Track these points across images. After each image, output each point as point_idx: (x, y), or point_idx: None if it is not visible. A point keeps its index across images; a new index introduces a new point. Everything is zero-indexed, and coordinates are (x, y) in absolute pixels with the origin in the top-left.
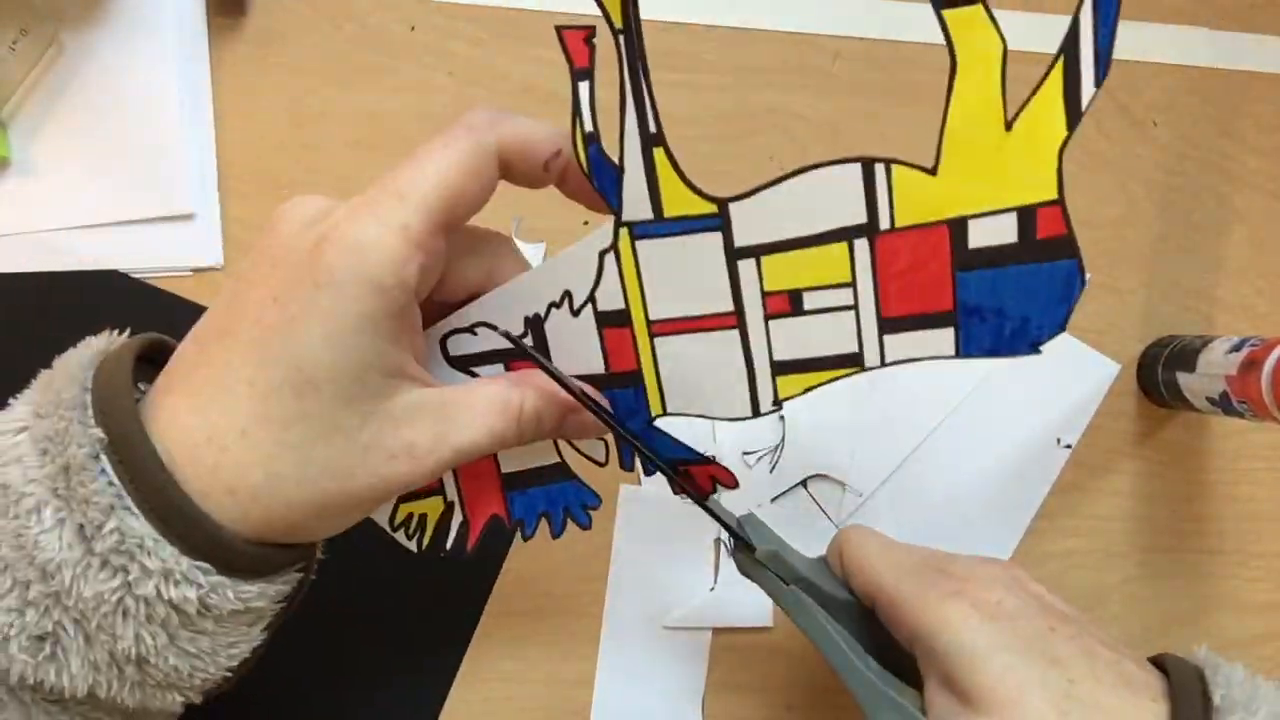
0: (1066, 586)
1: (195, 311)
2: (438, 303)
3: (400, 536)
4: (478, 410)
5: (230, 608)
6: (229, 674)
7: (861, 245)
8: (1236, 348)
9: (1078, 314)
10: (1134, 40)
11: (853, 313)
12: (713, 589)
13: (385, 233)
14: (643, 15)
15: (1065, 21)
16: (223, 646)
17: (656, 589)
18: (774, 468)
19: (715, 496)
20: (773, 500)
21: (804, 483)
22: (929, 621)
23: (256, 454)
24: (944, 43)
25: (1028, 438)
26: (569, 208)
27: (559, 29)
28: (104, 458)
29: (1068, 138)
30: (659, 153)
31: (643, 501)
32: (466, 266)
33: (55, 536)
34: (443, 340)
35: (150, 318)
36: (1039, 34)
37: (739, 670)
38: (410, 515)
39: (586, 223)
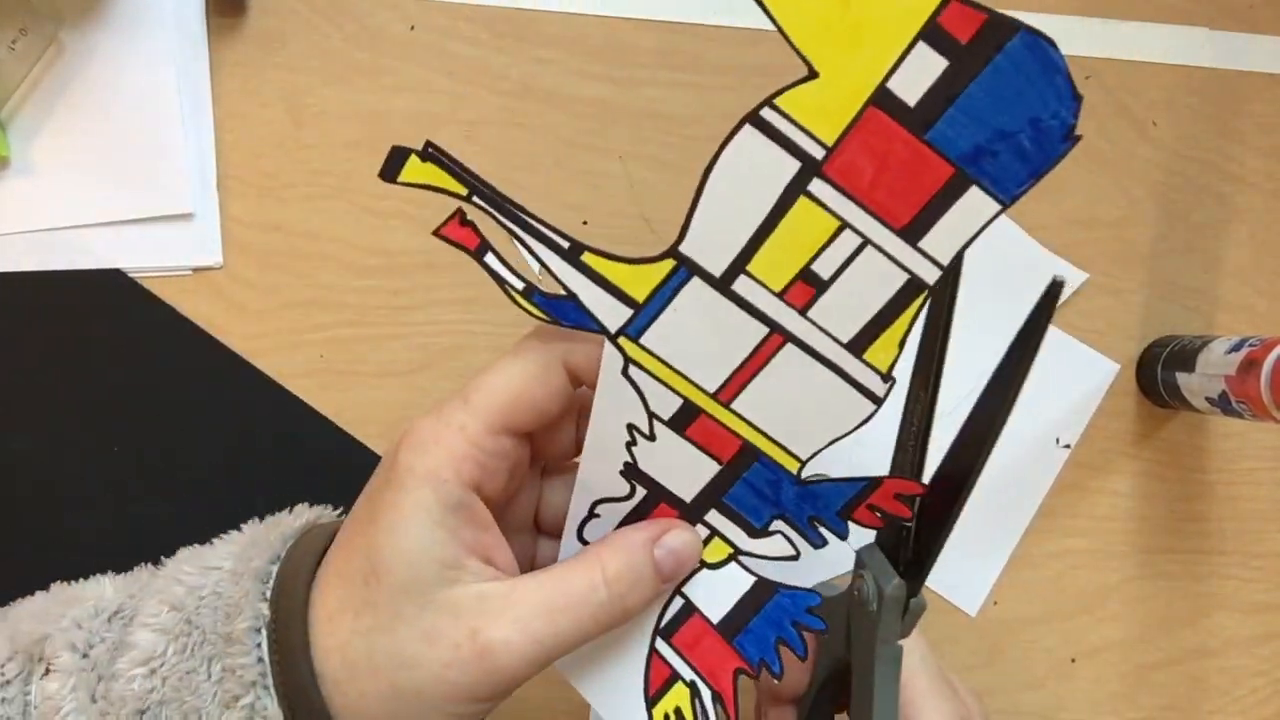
0: (1066, 587)
1: (193, 312)
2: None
3: None
4: (551, 592)
5: None
6: None
7: (818, 186)
8: (1236, 348)
9: (1077, 314)
10: (1134, 40)
11: (870, 247)
12: None
13: (444, 430)
14: (647, 14)
15: (1068, 22)
16: None
17: None
18: None
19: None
20: None
21: None
22: None
23: (335, 640)
24: None
25: (1027, 438)
26: (569, 209)
27: (438, 234)
28: (263, 634)
29: None
30: (588, 257)
31: None
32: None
33: (210, 693)
34: (579, 535)
35: (149, 318)
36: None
37: None
38: (666, 716)
39: (586, 223)
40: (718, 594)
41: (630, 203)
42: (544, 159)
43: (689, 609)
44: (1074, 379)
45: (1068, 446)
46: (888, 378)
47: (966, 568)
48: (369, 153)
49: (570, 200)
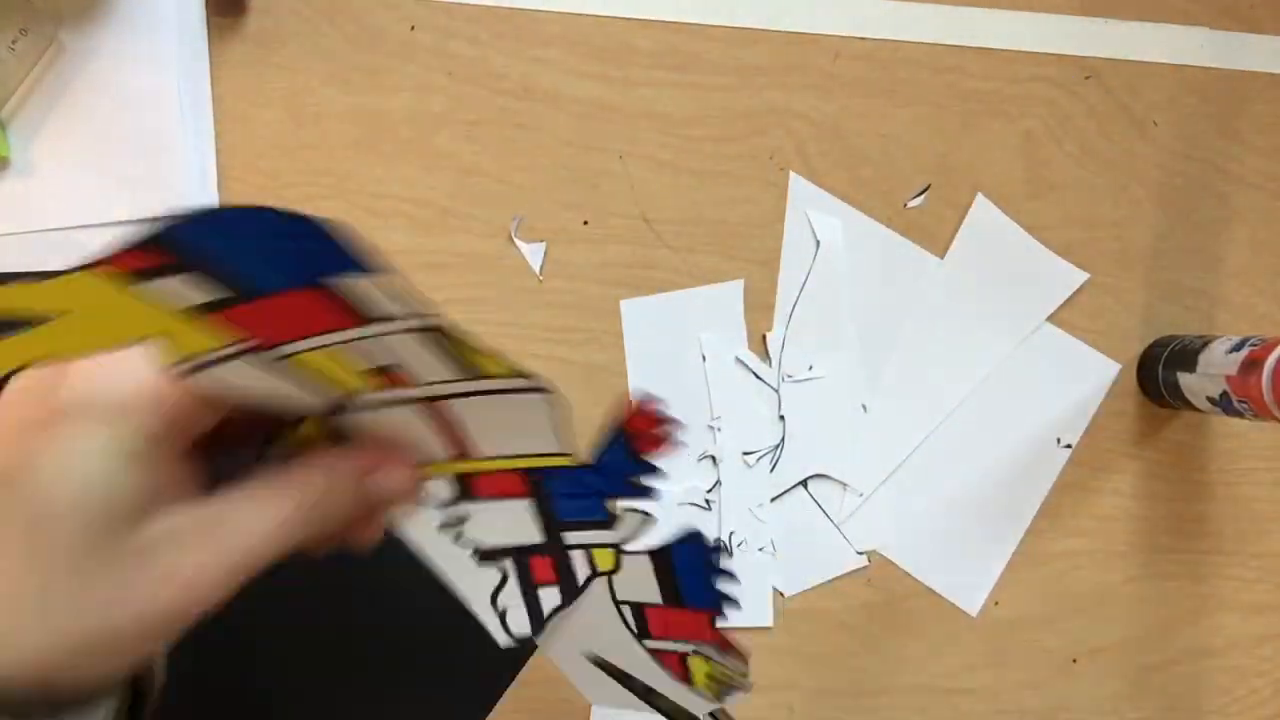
0: (1067, 586)
1: None
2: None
3: None
4: (246, 507)
5: None
6: None
7: None
8: (1237, 347)
9: (1078, 314)
10: (1134, 40)
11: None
12: None
13: (142, 370)
14: (646, 14)
15: (1068, 22)
16: None
17: None
18: (774, 467)
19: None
20: (773, 500)
21: (804, 483)
22: None
23: None
24: (943, 43)
25: (1028, 438)
26: (569, 209)
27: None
28: None
29: None
30: None
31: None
32: None
33: None
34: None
35: None
36: (1040, 34)
37: None
38: (709, 681)
39: (586, 223)
40: (641, 585)
41: (630, 202)
42: (544, 159)
43: (639, 608)
44: (1075, 379)
45: (1069, 446)
46: (530, 375)
47: (967, 567)
48: (369, 153)
49: (570, 200)
